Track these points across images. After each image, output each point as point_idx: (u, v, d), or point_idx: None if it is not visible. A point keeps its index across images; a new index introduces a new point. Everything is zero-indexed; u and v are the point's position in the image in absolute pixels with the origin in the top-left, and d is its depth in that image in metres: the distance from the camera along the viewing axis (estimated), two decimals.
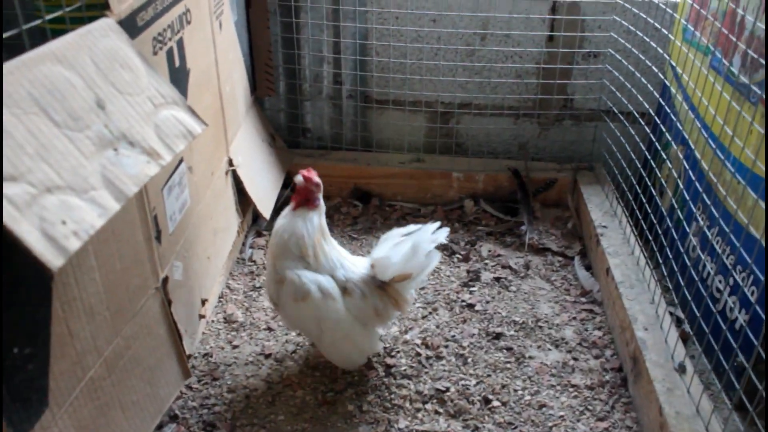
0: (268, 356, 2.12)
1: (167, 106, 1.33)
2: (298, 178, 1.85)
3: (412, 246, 1.87)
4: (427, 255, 1.88)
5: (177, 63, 1.81)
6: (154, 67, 1.38)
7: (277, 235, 1.88)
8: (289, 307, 1.87)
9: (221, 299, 2.36)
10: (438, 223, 1.93)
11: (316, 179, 1.87)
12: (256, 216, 2.73)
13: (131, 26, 1.50)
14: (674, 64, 2.34)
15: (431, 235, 1.90)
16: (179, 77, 1.83)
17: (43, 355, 1.23)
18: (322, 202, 1.90)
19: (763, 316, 1.65)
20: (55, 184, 1.01)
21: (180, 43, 1.83)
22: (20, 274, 1.13)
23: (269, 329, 2.23)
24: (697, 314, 1.92)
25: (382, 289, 1.91)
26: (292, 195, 1.90)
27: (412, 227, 1.94)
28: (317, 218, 1.88)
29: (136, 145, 1.21)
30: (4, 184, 0.93)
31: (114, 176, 1.12)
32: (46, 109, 1.07)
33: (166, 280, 1.77)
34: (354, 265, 1.93)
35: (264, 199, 2.59)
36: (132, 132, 1.21)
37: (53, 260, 0.93)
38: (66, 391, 1.31)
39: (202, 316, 2.15)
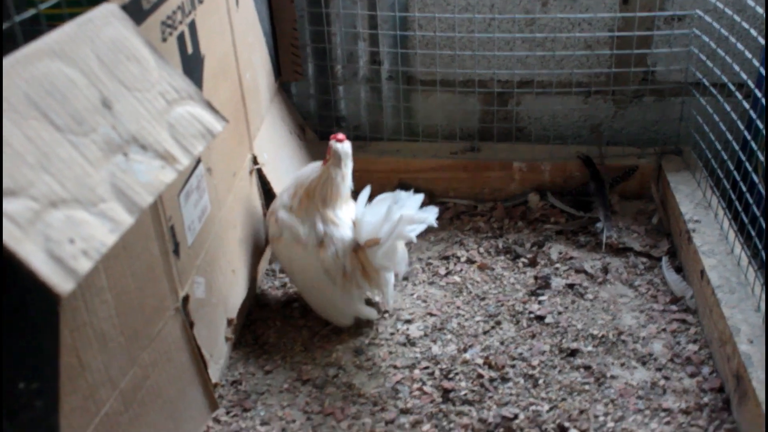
0: (306, 382, 2.15)
1: (182, 102, 1.37)
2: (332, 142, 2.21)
3: (387, 209, 2.12)
4: (400, 222, 2.07)
5: (190, 50, 1.84)
6: (165, 56, 1.41)
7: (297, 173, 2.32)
8: (271, 241, 2.32)
9: (250, 318, 2.39)
10: (421, 196, 2.19)
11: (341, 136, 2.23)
12: None
13: (136, 10, 1.54)
14: None
15: (411, 201, 2.16)
16: (193, 66, 1.87)
17: (51, 389, 1.27)
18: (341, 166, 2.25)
19: None
20: (60, 198, 1.04)
21: (192, 26, 1.87)
22: (24, 299, 1.17)
23: (306, 350, 2.26)
24: None
25: (355, 252, 2.20)
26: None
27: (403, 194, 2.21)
28: (336, 174, 2.23)
29: (149, 148, 1.24)
30: (4, 200, 0.97)
31: (125, 185, 1.15)
32: (47, 113, 1.10)
33: (186, 298, 1.80)
34: (346, 225, 2.24)
35: None
36: (143, 134, 1.25)
37: (62, 284, 0.96)
38: (79, 429, 1.35)
39: (228, 339, 2.18)
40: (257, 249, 2.47)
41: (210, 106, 1.42)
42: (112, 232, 1.08)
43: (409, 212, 2.09)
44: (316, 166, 2.28)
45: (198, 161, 1.89)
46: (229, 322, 2.18)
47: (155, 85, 1.34)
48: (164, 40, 1.69)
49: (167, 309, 1.71)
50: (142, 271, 1.58)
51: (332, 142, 2.22)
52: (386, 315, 2.38)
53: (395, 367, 2.18)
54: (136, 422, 1.55)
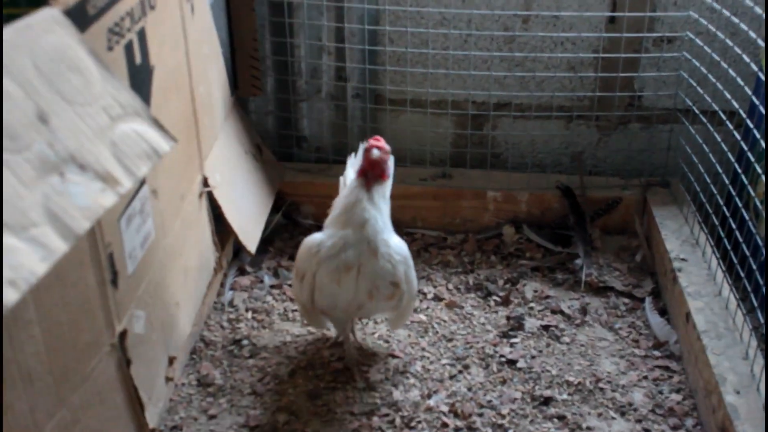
0: (253, 429, 2.13)
1: (127, 119, 1.36)
2: (375, 153, 2.09)
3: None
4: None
5: (138, 60, 1.84)
6: (110, 67, 1.40)
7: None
8: None
9: (194, 356, 2.38)
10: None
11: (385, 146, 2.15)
12: (239, 249, 2.75)
13: (80, 16, 1.53)
14: None
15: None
16: (141, 78, 1.87)
17: None
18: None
19: None
20: None
21: (141, 35, 1.87)
22: None
23: (255, 394, 2.25)
24: None
25: None
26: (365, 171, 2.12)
27: None
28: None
29: (88, 168, 1.23)
30: None
31: (60, 209, 1.14)
32: None
33: (124, 334, 1.79)
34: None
35: (248, 228, 2.61)
36: (82, 152, 1.24)
37: None
38: None
39: (169, 379, 2.16)
40: (205, 281, 2.46)
41: (157, 124, 1.42)
42: (44, 260, 1.07)
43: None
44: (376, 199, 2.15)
45: (142, 182, 1.89)
46: (171, 360, 2.16)
47: (98, 99, 1.33)
48: (110, 48, 1.69)
49: (102, 345, 1.69)
50: (76, 303, 1.56)
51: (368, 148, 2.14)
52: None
53: (352, 413, 2.17)
54: None
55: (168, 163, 2.09)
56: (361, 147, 2.20)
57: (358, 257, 2.07)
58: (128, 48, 1.78)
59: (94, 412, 1.64)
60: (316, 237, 2.15)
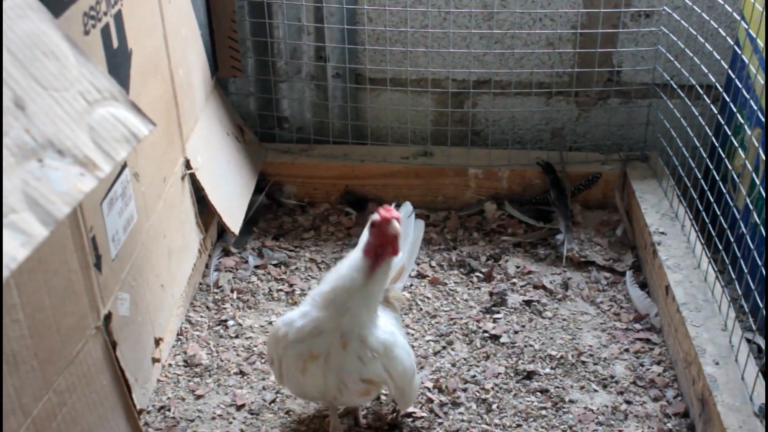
0: (240, 408, 2.15)
1: (104, 103, 1.36)
2: (395, 227, 1.76)
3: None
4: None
5: (115, 44, 1.84)
6: (86, 52, 1.40)
7: None
8: None
9: (180, 337, 2.38)
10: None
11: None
12: (222, 230, 2.76)
13: (55, 0, 1.53)
14: (748, 23, 2.36)
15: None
16: (119, 62, 1.86)
17: None
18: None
19: None
20: None
21: (118, 18, 1.86)
22: None
23: (241, 373, 2.26)
24: None
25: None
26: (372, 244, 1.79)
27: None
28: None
29: (66, 153, 1.23)
30: None
31: (39, 194, 1.14)
32: None
33: (109, 316, 1.79)
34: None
35: (231, 209, 2.62)
36: (60, 137, 1.24)
37: None
38: None
39: (156, 360, 2.17)
40: (189, 262, 2.46)
41: (135, 108, 1.42)
42: (24, 246, 1.07)
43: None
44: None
45: (123, 166, 1.89)
46: (157, 341, 2.17)
47: (75, 84, 1.33)
48: (86, 33, 1.68)
49: (87, 328, 1.69)
50: (60, 287, 1.56)
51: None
52: None
53: None
54: None
55: (149, 147, 2.09)
56: (374, 216, 1.79)
57: (326, 347, 1.80)
58: (105, 32, 1.78)
59: (80, 395, 1.65)
60: (287, 317, 1.89)
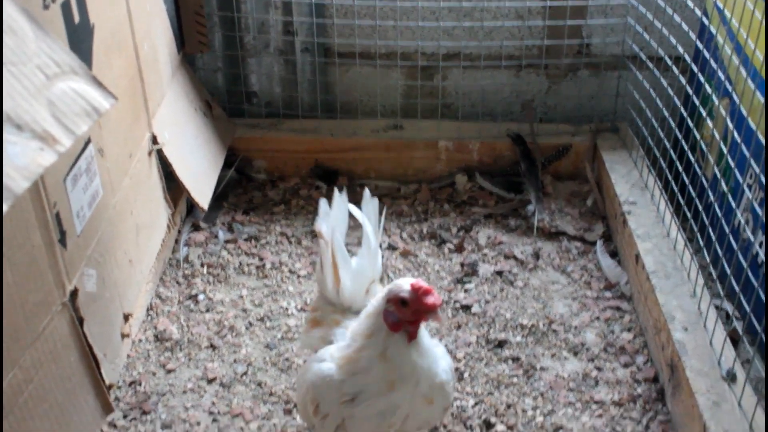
0: (211, 381, 2.15)
1: (64, 77, 1.35)
2: (436, 298, 1.63)
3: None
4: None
5: (77, 19, 1.81)
6: (46, 26, 1.39)
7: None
8: None
9: (150, 312, 2.38)
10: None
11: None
12: (192, 205, 2.75)
13: None
14: None
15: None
16: (80, 37, 1.84)
17: None
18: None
19: None
20: None
21: None
22: None
23: (212, 347, 2.26)
24: (748, 310, 1.96)
25: None
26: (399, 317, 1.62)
27: None
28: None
29: (25, 128, 1.22)
30: None
31: None
32: None
33: (75, 292, 1.78)
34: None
35: (200, 184, 2.61)
36: (18, 112, 1.23)
37: None
38: None
39: (125, 335, 2.17)
40: (158, 238, 2.45)
41: (96, 82, 1.41)
42: None
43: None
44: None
45: (87, 142, 1.87)
46: (126, 317, 2.17)
47: (32, 58, 1.32)
48: (46, 7, 1.66)
49: (53, 304, 1.69)
50: (23, 263, 1.55)
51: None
52: (297, 307, 2.40)
53: None
54: (18, 430, 1.53)
55: (114, 122, 2.07)
56: (399, 291, 1.64)
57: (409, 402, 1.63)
58: (66, 6, 1.76)
59: (47, 371, 1.65)
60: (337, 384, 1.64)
